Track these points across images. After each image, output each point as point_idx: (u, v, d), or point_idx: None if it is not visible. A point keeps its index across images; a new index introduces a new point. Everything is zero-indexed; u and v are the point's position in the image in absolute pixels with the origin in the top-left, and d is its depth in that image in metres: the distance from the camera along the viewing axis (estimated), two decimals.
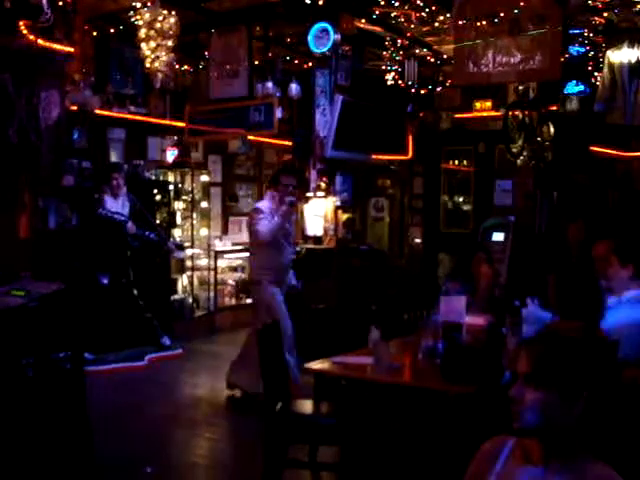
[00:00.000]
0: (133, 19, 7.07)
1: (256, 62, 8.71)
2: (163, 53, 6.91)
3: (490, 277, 5.85)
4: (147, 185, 8.75)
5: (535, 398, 1.77)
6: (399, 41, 8.84)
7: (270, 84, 8.32)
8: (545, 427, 1.78)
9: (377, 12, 7.89)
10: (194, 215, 9.50)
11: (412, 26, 8.22)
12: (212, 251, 9.69)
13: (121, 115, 8.86)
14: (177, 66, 8.47)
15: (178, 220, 9.31)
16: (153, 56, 6.89)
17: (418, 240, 11.42)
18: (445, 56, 9.13)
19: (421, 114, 10.75)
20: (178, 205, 9.34)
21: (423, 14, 7.68)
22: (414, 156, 11.11)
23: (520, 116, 8.60)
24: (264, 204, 6.23)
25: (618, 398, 1.85)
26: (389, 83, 9.55)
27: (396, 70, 9.50)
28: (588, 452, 1.80)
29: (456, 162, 10.91)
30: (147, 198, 8.25)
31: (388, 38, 8.84)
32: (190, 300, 9.34)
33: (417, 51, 9.19)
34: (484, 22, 6.36)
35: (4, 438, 3.73)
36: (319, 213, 8.50)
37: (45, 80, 7.31)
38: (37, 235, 7.53)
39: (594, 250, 4.14)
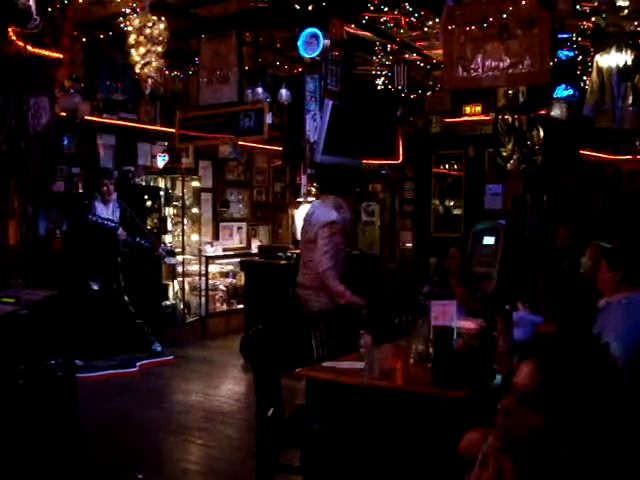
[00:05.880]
0: (122, 25, 7.06)
1: (246, 68, 8.72)
2: (153, 59, 6.88)
3: (460, 262, 5.88)
4: (137, 191, 8.73)
5: (531, 421, 1.62)
6: (389, 46, 8.86)
7: (260, 89, 8.32)
8: (529, 452, 1.65)
9: (367, 17, 7.91)
10: (185, 221, 9.49)
11: (402, 31, 8.25)
12: (203, 257, 9.68)
13: (111, 121, 8.86)
14: (167, 72, 8.48)
15: (169, 226, 9.31)
16: (143, 62, 6.86)
17: (409, 244, 11.44)
18: (435, 61, 9.16)
19: (411, 118, 10.79)
20: (169, 211, 9.34)
21: (412, 19, 7.71)
22: (404, 160, 11.16)
23: (510, 120, 8.64)
24: (337, 217, 5.59)
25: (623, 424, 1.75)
26: (379, 88, 9.58)
27: (386, 75, 9.54)
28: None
29: (446, 166, 10.95)
30: (138, 204, 8.23)
31: (378, 43, 8.86)
32: (181, 306, 9.33)
33: (407, 56, 9.21)
34: (473, 27, 6.37)
35: None
36: None
37: (34, 86, 7.28)
38: (27, 242, 7.50)
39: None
